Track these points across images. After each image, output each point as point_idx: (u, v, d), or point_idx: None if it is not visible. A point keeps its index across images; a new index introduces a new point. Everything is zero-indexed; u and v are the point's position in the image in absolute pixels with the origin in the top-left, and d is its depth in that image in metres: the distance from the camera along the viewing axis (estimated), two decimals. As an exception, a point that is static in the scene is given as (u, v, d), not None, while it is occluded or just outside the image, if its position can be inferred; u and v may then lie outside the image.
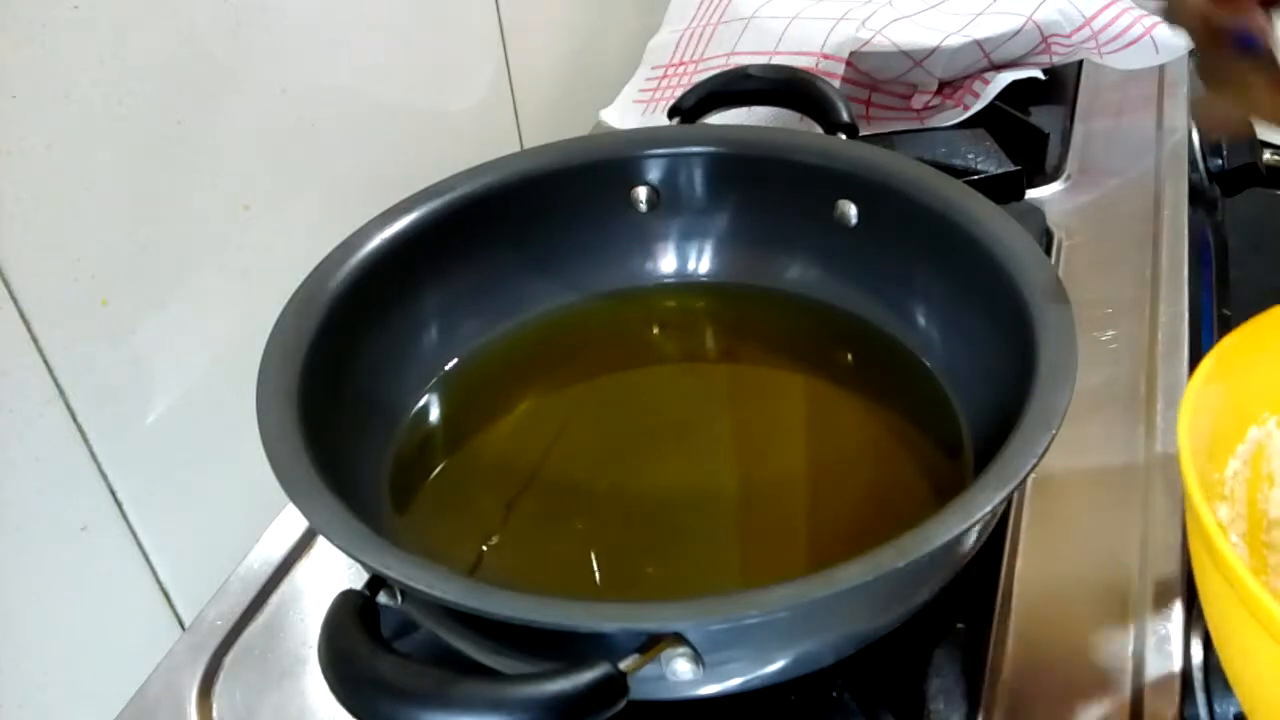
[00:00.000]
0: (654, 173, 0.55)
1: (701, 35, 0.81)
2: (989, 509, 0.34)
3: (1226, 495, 0.39)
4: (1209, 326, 0.63)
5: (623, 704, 0.31)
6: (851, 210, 0.52)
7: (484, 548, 0.44)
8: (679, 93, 0.60)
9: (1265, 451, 0.40)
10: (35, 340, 0.46)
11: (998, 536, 0.48)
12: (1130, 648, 0.43)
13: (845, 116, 0.55)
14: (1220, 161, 0.74)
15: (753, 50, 0.76)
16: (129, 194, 0.49)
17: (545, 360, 0.53)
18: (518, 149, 0.56)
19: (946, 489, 0.44)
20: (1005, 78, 0.73)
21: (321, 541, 0.52)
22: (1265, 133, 0.79)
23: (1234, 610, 0.31)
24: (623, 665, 0.31)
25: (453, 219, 0.51)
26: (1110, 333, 0.57)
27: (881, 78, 0.76)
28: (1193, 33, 0.38)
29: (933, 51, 0.72)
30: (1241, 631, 0.32)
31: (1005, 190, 0.65)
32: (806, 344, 0.53)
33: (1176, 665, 0.42)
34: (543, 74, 0.81)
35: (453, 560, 0.44)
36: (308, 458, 0.39)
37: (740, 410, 0.49)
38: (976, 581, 0.46)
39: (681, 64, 0.81)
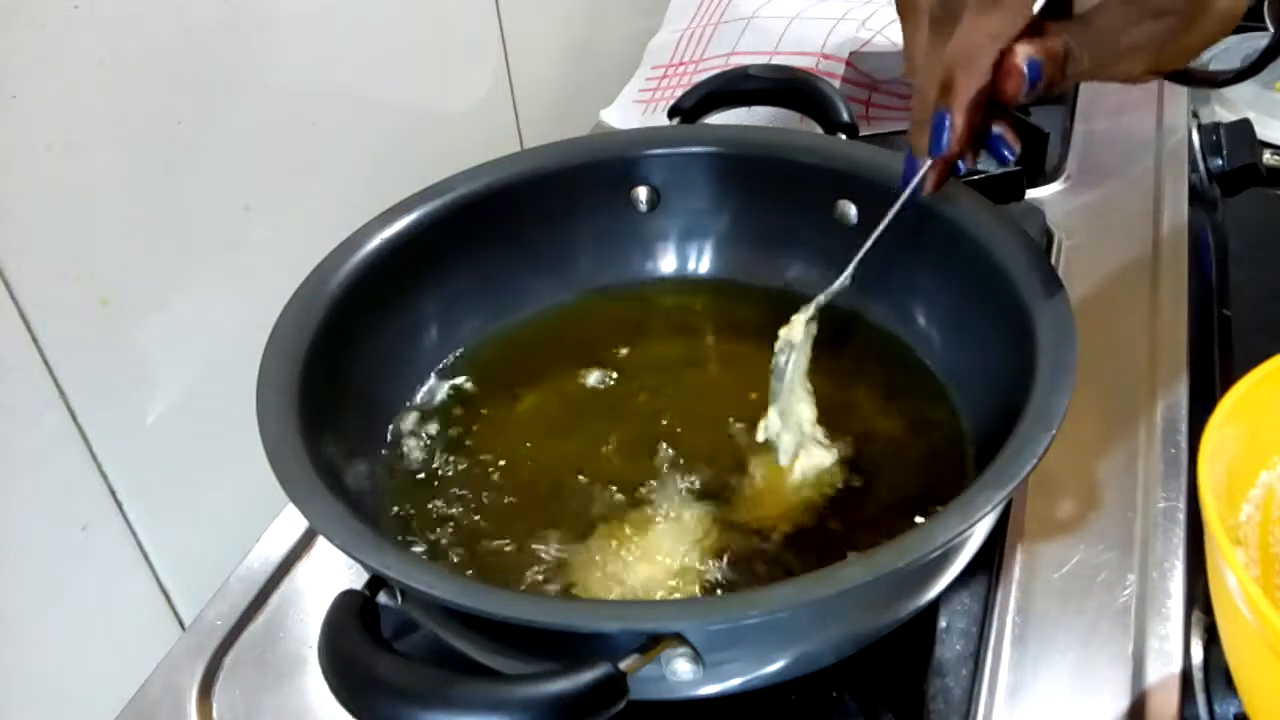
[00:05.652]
0: (654, 173, 0.55)
1: (701, 35, 0.81)
2: (989, 509, 0.34)
3: (1242, 540, 0.38)
4: (1209, 326, 0.63)
5: (623, 704, 0.31)
6: (851, 210, 0.52)
7: (484, 547, 0.44)
8: (679, 93, 0.60)
9: (1276, 495, 0.39)
10: (35, 340, 0.46)
11: (998, 536, 0.48)
12: (1130, 648, 0.43)
13: (845, 116, 0.55)
14: (1220, 161, 0.74)
15: (753, 50, 0.76)
16: (129, 194, 0.49)
17: (545, 359, 0.53)
18: (518, 149, 0.56)
19: (946, 489, 0.44)
20: (1005, 78, 0.73)
21: (321, 541, 0.52)
22: (1265, 132, 0.79)
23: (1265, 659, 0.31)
24: (623, 665, 0.32)
25: (453, 219, 0.51)
26: (1110, 333, 0.57)
27: (881, 78, 0.76)
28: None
29: (933, 51, 0.72)
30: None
31: (1005, 190, 0.64)
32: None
33: (1176, 665, 0.42)
34: (543, 74, 0.81)
35: (452, 559, 0.44)
36: (308, 458, 0.39)
37: (740, 409, 0.49)
38: (976, 581, 0.46)
39: (681, 64, 0.81)
